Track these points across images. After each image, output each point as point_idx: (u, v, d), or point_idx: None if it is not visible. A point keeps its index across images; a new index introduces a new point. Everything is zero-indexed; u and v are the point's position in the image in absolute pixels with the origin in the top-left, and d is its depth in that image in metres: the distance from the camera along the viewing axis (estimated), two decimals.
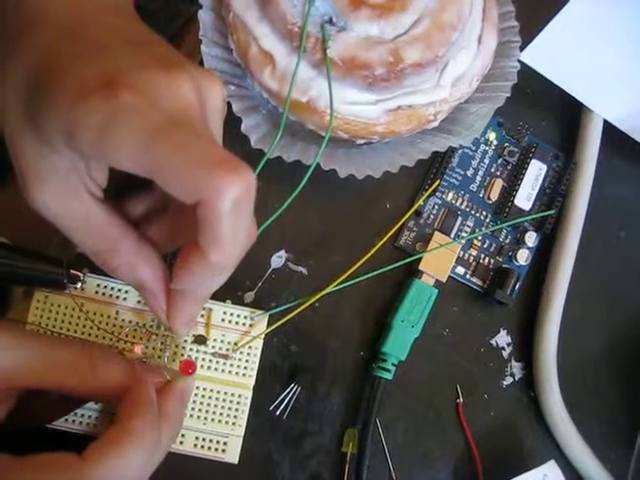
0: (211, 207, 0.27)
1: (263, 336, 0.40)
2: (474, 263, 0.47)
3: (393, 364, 0.43)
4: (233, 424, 0.40)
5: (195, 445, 0.39)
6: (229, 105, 0.40)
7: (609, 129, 0.48)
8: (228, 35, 0.41)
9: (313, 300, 0.43)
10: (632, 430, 0.45)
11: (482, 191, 0.47)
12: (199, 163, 0.27)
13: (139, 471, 0.29)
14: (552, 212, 0.46)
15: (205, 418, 0.40)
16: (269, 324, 0.41)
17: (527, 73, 0.47)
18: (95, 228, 0.32)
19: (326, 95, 0.39)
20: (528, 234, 0.47)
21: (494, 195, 0.47)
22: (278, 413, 0.42)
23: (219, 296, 0.40)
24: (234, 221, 0.27)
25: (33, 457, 0.28)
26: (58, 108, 0.27)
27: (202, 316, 0.40)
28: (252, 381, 0.40)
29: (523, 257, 0.47)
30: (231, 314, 0.40)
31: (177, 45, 0.44)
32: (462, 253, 0.46)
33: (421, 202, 0.46)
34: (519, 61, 0.45)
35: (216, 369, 0.40)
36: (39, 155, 0.29)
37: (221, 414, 0.40)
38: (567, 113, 0.50)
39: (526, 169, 0.47)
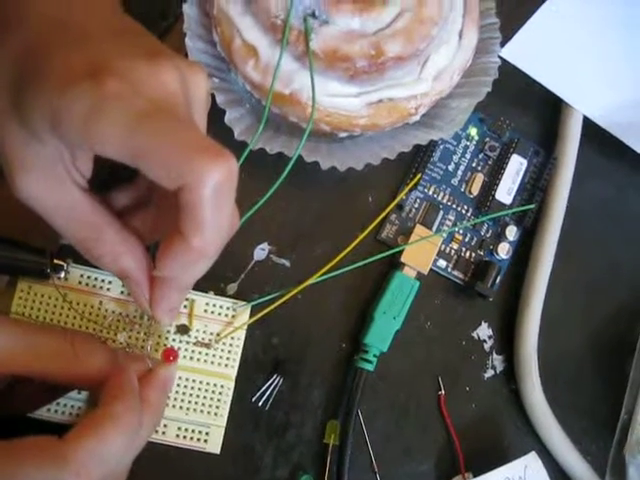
0: (193, 192, 0.27)
1: (245, 327, 0.41)
2: (455, 256, 0.47)
3: (375, 355, 0.43)
4: (215, 414, 0.40)
5: (177, 435, 0.40)
6: (213, 97, 0.40)
7: (589, 125, 0.49)
8: (212, 29, 0.42)
9: (295, 292, 0.43)
10: (612, 422, 0.46)
11: (463, 185, 0.48)
12: (181, 149, 0.27)
13: (119, 455, 0.29)
14: (532, 206, 0.47)
15: (187, 408, 0.40)
16: (252, 315, 0.41)
17: (508, 70, 0.47)
18: (79, 217, 0.32)
19: (308, 87, 0.39)
20: (509, 228, 0.47)
21: (475, 189, 0.48)
22: (260, 404, 0.42)
23: (202, 287, 0.40)
24: (216, 206, 0.28)
25: (13, 441, 0.28)
26: (44, 96, 0.27)
27: (185, 307, 0.40)
28: (234, 372, 0.41)
29: (504, 250, 0.47)
30: (214, 305, 0.41)
31: (162, 40, 0.45)
32: (443, 246, 0.47)
33: (403, 196, 0.46)
34: (500, 57, 0.46)
35: (198, 359, 0.40)
36: (25, 144, 0.29)
37: (203, 404, 0.40)
38: (547, 109, 0.50)
39: (507, 164, 0.48)
